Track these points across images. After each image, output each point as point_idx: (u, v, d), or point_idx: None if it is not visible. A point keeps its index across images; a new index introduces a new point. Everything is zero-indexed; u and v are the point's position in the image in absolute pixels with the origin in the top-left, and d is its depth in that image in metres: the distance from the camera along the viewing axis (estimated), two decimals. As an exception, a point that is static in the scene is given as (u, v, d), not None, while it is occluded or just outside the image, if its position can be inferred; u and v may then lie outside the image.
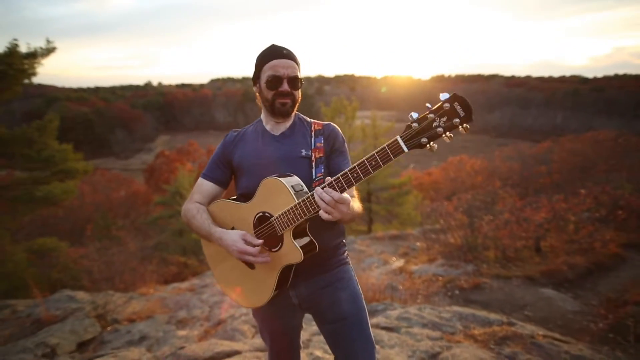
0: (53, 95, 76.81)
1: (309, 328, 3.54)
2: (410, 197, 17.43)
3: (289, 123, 1.64)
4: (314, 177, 1.52)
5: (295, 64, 1.55)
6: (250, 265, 1.55)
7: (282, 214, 1.40)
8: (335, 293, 1.58)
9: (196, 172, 19.87)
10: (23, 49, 8.70)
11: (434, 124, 1.16)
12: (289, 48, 1.57)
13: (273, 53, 1.54)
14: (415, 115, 1.18)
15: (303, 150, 1.55)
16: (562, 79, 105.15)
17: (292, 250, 1.41)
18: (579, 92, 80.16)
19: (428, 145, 1.18)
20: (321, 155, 1.55)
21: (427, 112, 1.17)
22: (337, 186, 1.27)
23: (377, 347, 3.02)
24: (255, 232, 1.50)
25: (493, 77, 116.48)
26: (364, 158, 1.25)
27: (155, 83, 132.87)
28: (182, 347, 3.16)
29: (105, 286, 6.31)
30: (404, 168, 27.58)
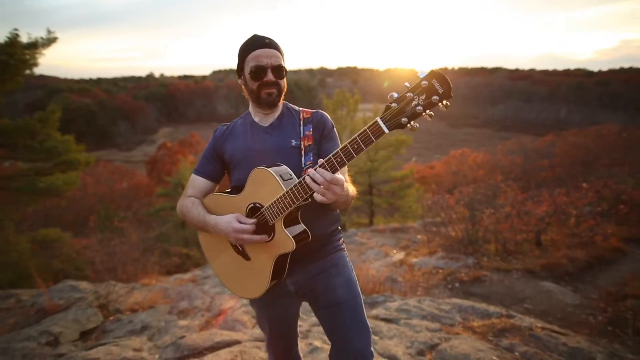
0: (55, 87, 76.67)
1: (309, 319, 3.57)
2: (411, 190, 17.42)
3: (277, 113, 1.63)
4: (303, 165, 1.52)
5: (278, 52, 1.53)
6: (246, 257, 1.55)
7: (272, 204, 1.39)
8: (330, 279, 1.59)
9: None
10: (24, 39, 8.67)
11: (413, 102, 1.15)
12: (270, 37, 1.55)
13: (255, 43, 1.52)
14: (395, 95, 1.17)
15: (293, 141, 1.55)
16: (567, 72, 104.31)
17: (284, 240, 1.41)
18: (583, 86, 79.49)
19: (409, 125, 1.17)
20: (310, 143, 1.55)
21: (406, 91, 1.16)
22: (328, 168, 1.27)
23: (375, 338, 3.06)
24: None
25: (496, 70, 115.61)
26: (346, 142, 1.24)
27: (157, 74, 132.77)
28: (182, 337, 3.19)
29: (107, 277, 6.36)
30: (405, 161, 27.53)
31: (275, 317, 1.70)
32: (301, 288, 1.61)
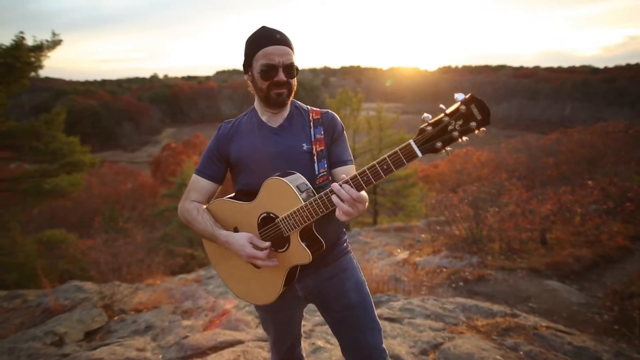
0: (61, 89, 77.33)
1: (312, 319, 3.57)
2: (415, 189, 17.41)
3: (286, 113, 1.54)
4: (317, 172, 1.46)
5: (290, 49, 1.42)
6: (256, 265, 1.51)
7: (289, 216, 1.34)
8: (342, 284, 1.56)
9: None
10: (29, 41, 8.76)
11: (449, 127, 1.09)
12: (281, 30, 1.43)
13: (266, 38, 1.40)
14: (428, 117, 1.11)
15: (304, 145, 1.48)
16: (572, 69, 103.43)
17: (300, 251, 1.37)
18: (588, 83, 78.81)
19: (443, 150, 1.12)
20: (322, 148, 1.48)
21: (442, 115, 1.10)
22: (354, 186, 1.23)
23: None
24: (260, 233, 1.45)
25: (501, 68, 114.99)
26: (374, 162, 1.18)
27: (161, 76, 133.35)
28: (186, 337, 3.20)
29: (112, 277, 6.38)
30: (409, 160, 27.35)
31: (281, 320, 1.68)
32: (310, 293, 1.58)
